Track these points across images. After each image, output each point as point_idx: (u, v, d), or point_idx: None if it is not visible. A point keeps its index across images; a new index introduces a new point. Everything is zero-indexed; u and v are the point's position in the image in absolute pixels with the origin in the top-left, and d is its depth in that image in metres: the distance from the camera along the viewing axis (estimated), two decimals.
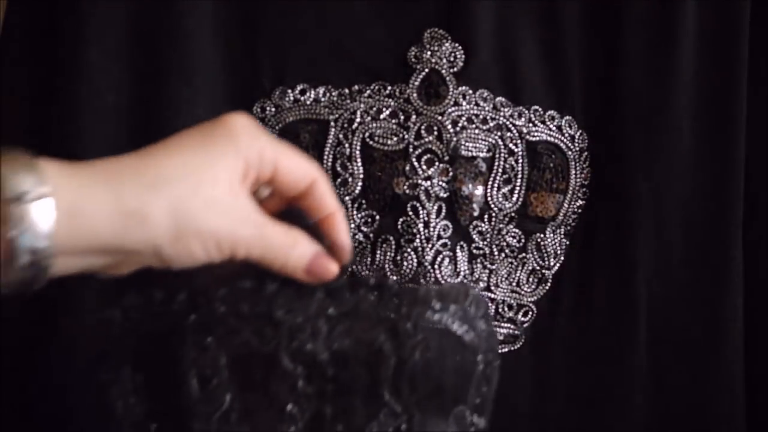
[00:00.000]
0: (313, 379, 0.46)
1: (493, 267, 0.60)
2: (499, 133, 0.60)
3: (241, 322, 0.46)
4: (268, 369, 0.46)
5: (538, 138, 0.61)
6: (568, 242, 0.62)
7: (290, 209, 0.47)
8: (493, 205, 0.59)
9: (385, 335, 0.46)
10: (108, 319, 0.48)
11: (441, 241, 0.58)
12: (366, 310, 0.47)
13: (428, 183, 0.58)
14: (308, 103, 0.60)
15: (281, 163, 0.43)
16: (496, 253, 0.60)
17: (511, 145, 0.60)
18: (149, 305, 0.48)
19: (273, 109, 0.60)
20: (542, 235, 0.61)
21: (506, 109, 0.60)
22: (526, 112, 0.61)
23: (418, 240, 0.58)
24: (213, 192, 0.40)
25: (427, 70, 0.60)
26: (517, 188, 0.60)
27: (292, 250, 0.44)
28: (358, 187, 0.59)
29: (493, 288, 0.60)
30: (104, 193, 0.38)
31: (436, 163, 0.58)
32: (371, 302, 0.47)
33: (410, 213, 0.58)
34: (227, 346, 0.46)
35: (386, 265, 0.59)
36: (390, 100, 0.59)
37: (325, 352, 0.46)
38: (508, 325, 0.61)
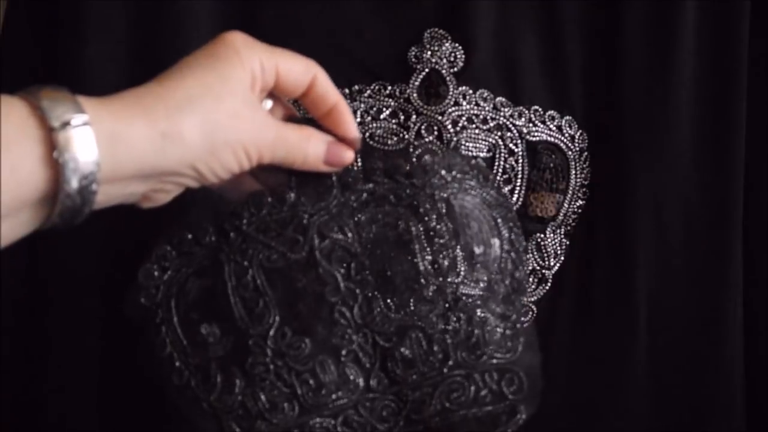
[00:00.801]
0: (351, 274, 0.48)
1: None
2: (499, 133, 0.60)
3: (270, 236, 0.48)
4: (307, 275, 0.48)
5: (538, 138, 0.60)
6: (568, 242, 0.62)
7: (293, 119, 0.50)
8: None
9: (407, 212, 0.49)
10: (145, 274, 0.49)
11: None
12: (383, 194, 0.49)
13: None
14: None
15: (281, 66, 0.46)
16: None
17: (511, 145, 0.60)
18: (180, 248, 0.49)
19: None
20: (542, 235, 0.61)
21: (506, 109, 0.60)
22: (526, 112, 0.61)
23: None
24: (232, 104, 0.43)
25: (427, 70, 0.60)
26: (517, 188, 0.60)
27: (308, 143, 0.47)
28: None
29: None
30: (138, 118, 0.40)
31: None
32: (386, 185, 0.49)
33: None
34: (263, 263, 0.48)
35: None
36: (390, 100, 0.59)
37: (356, 244, 0.48)
38: None
